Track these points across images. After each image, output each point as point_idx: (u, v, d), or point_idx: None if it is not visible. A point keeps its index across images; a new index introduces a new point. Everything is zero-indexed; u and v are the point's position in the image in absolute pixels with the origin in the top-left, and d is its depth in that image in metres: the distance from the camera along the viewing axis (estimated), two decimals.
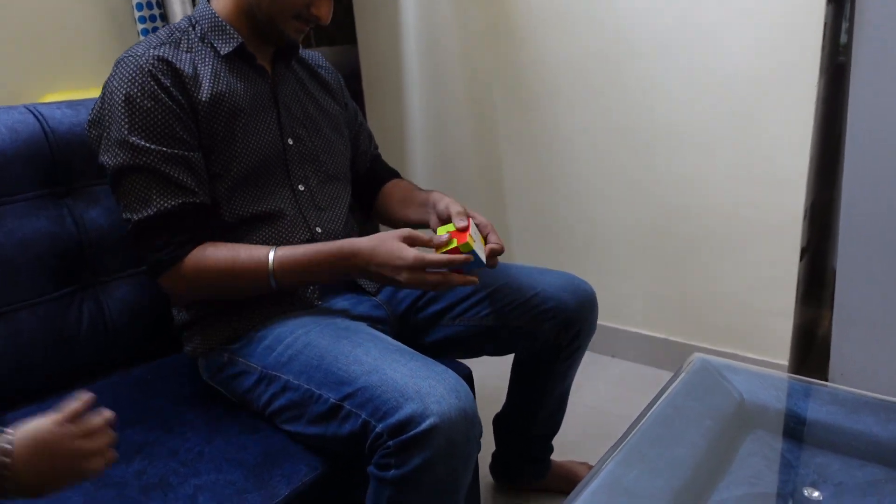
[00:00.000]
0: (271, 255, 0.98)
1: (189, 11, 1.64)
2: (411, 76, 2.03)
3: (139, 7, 1.60)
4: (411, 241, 0.96)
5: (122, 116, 0.97)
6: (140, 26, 1.61)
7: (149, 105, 0.98)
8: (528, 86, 1.89)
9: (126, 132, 0.97)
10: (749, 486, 0.74)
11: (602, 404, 1.75)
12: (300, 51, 1.22)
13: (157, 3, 1.62)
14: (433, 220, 1.11)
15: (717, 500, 0.72)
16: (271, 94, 1.11)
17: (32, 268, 1.09)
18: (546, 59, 1.83)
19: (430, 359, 0.93)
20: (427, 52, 1.97)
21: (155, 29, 1.62)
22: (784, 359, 1.70)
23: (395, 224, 1.24)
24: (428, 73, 2.00)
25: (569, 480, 1.45)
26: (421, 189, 1.25)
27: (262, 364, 1.00)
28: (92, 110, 1.04)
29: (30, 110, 1.14)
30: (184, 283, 1.00)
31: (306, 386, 0.94)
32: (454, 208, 1.07)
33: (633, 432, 0.79)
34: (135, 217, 0.98)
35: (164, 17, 1.63)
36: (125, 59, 1.01)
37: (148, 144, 0.97)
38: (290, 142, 1.12)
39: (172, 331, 1.15)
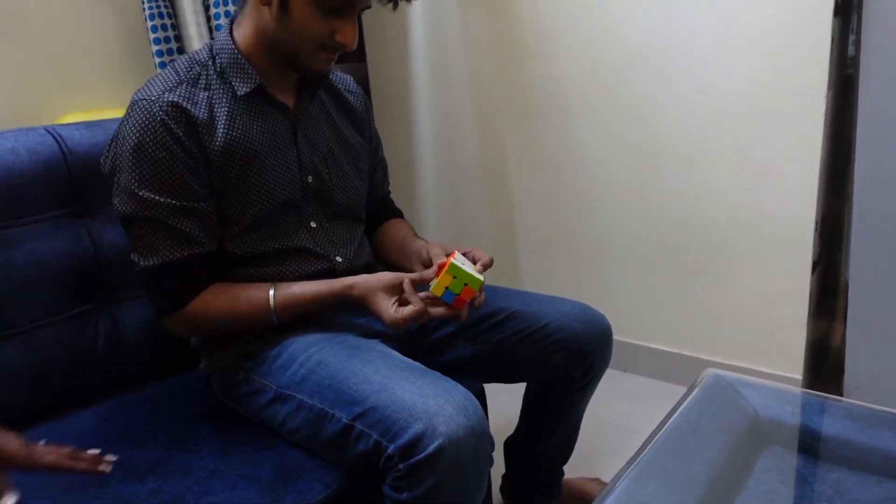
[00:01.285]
0: (271, 296, 1.02)
1: (204, 35, 1.66)
2: (420, 92, 2.04)
3: (154, 29, 1.63)
4: (400, 290, 1.00)
5: (132, 167, 0.97)
6: (155, 48, 1.64)
7: (159, 156, 0.96)
8: (536, 101, 1.90)
9: (135, 184, 0.97)
10: (765, 502, 0.73)
11: (614, 419, 1.74)
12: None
13: (172, 26, 1.65)
14: (417, 269, 1.12)
15: None
16: (291, 132, 1.09)
17: (50, 287, 1.10)
18: (554, 74, 1.85)
19: (439, 375, 0.93)
20: (435, 69, 1.99)
21: (170, 51, 1.64)
22: (797, 372, 1.68)
23: (388, 268, 1.23)
24: (436, 89, 2.01)
25: (581, 499, 1.44)
26: (417, 237, 1.24)
27: (277, 383, 1.00)
28: (107, 147, 1.03)
29: (49, 132, 1.16)
30: (187, 327, 1.04)
31: (320, 405, 0.94)
32: (433, 251, 1.09)
33: (649, 447, 0.79)
34: (142, 263, 1.00)
35: (179, 39, 1.66)
36: (139, 103, 0.99)
37: (156, 197, 0.97)
38: (310, 179, 1.10)
39: (187, 349, 1.16)
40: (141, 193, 0.97)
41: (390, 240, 1.27)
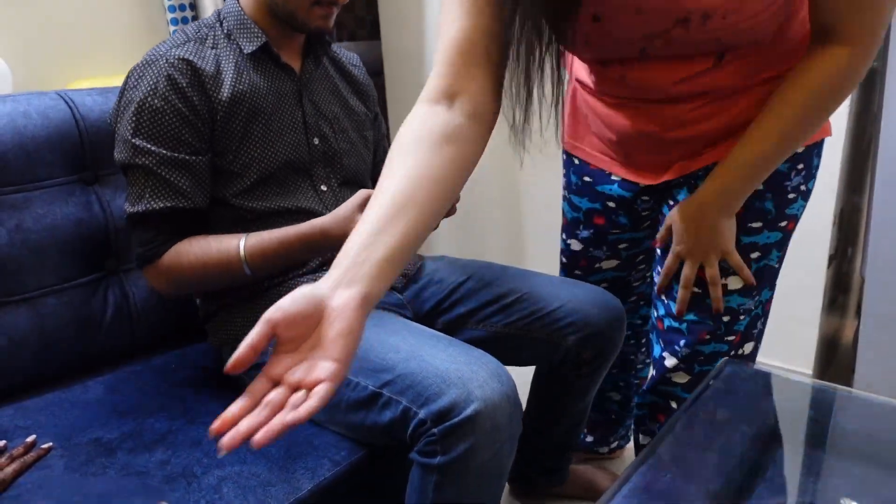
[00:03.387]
0: (242, 244, 0.99)
1: (218, 2, 1.64)
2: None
3: None
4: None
5: (131, 115, 0.99)
6: (170, 15, 1.61)
7: (157, 105, 0.98)
8: None
9: (131, 132, 0.99)
10: (785, 496, 0.72)
11: None
12: (334, 47, 1.21)
13: None
14: None
15: None
16: (297, 93, 1.10)
17: (60, 253, 1.09)
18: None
19: (467, 344, 0.93)
20: None
21: (185, 19, 1.62)
22: (808, 367, 1.67)
23: None
24: None
25: (587, 487, 1.44)
26: None
27: None
28: (115, 103, 1.05)
29: (61, 96, 1.14)
30: (162, 279, 1.02)
31: None
32: None
33: (666, 437, 0.78)
34: (128, 210, 1.01)
35: (194, 6, 1.64)
36: (146, 58, 1.01)
37: (149, 146, 0.98)
38: (316, 141, 1.11)
39: (197, 320, 1.15)
40: (134, 141, 0.98)
41: None
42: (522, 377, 1.29)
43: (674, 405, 1.08)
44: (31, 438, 0.92)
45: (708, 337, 1.00)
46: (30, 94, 1.12)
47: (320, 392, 0.55)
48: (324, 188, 1.12)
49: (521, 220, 2.08)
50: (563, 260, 1.26)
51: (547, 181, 1.97)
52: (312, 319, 0.60)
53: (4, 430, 0.95)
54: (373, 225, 0.65)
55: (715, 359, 1.01)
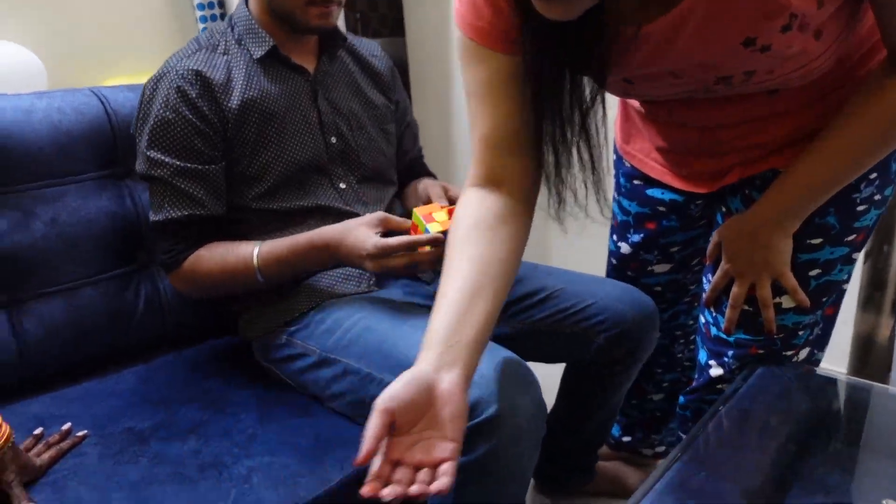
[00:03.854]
0: (256, 252, 1.01)
1: None
2: (459, 69, 2.01)
3: None
4: (384, 225, 0.97)
5: (145, 129, 1.02)
6: (198, 13, 1.63)
7: (169, 117, 1.00)
8: None
9: (146, 144, 1.02)
10: (823, 495, 0.71)
11: None
12: (352, 39, 1.20)
13: None
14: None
15: None
16: (311, 94, 1.10)
17: (94, 246, 1.11)
18: None
19: (492, 342, 0.92)
20: None
21: (213, 17, 1.63)
22: (843, 366, 1.64)
23: None
24: None
25: (615, 484, 1.42)
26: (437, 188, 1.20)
27: (322, 347, 1.00)
28: (135, 114, 1.07)
29: (94, 93, 1.16)
30: (185, 285, 1.05)
31: (367, 370, 0.93)
32: (432, 192, 1.09)
33: (700, 434, 0.77)
34: (151, 218, 1.04)
35: (222, 3, 1.65)
36: (158, 71, 1.03)
37: (163, 157, 1.01)
38: (333, 140, 1.11)
39: (227, 314, 1.16)
40: (149, 153, 1.01)
41: (411, 193, 1.25)
42: (551, 376, 1.29)
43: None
44: (66, 426, 0.94)
45: (762, 352, 0.93)
46: (64, 90, 1.14)
47: (448, 470, 0.61)
48: (343, 186, 1.12)
49: (546, 218, 2.06)
50: (613, 262, 1.22)
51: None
52: (423, 403, 0.65)
53: (41, 419, 0.97)
54: (456, 308, 0.70)
55: None
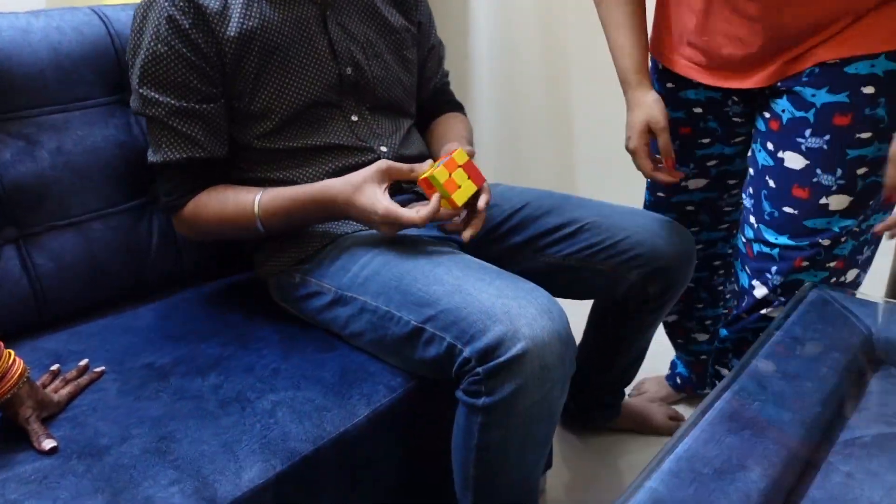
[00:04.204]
0: (257, 200, 0.94)
1: None
2: None
3: None
4: (389, 176, 0.90)
5: (136, 63, 0.93)
6: None
7: (161, 51, 0.91)
8: None
9: (137, 81, 0.93)
10: (886, 424, 0.66)
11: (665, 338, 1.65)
12: None
13: None
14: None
15: (850, 437, 0.64)
16: (320, 18, 0.99)
17: (103, 176, 1.06)
18: None
19: (517, 277, 0.87)
20: None
21: None
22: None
23: None
24: None
25: (641, 420, 1.40)
26: (464, 135, 1.13)
27: (337, 285, 0.95)
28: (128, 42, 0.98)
29: (94, 12, 1.09)
30: (186, 229, 1.00)
31: (385, 308, 0.89)
32: (449, 148, 1.00)
33: (751, 362, 0.72)
34: (149, 158, 0.97)
35: None
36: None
37: (156, 95, 0.93)
38: (349, 71, 1.01)
39: (244, 250, 1.12)
40: (142, 91, 0.93)
41: (436, 139, 1.15)
42: (579, 310, 1.24)
43: None
44: (83, 362, 0.91)
45: (806, 264, 0.91)
46: (62, 9, 1.07)
47: None
48: (355, 118, 1.04)
49: (572, 146, 1.98)
50: (649, 181, 1.20)
51: (600, 102, 1.86)
52: None
53: (58, 355, 0.95)
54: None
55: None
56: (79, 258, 1.03)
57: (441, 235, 1.05)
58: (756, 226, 0.97)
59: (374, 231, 0.98)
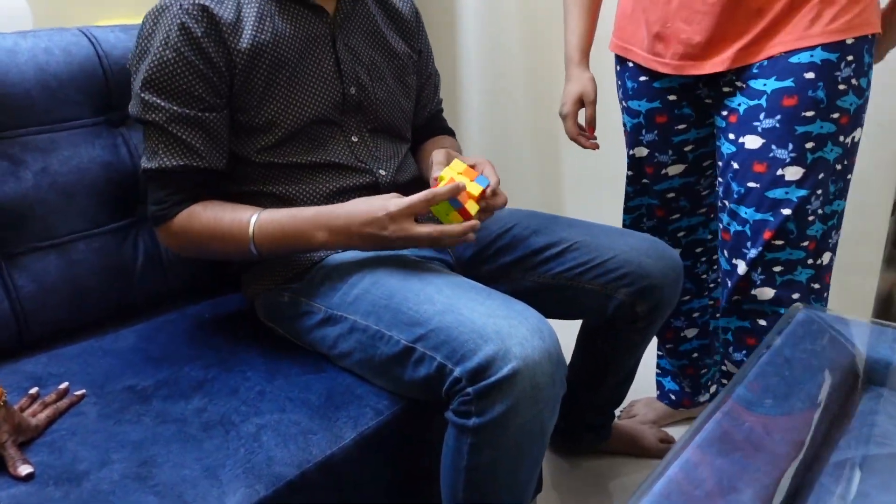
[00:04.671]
0: (253, 219, 0.91)
1: None
2: (467, 14, 1.92)
3: None
4: (410, 211, 0.88)
5: (141, 67, 0.92)
6: None
7: (170, 57, 0.91)
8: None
9: (140, 85, 0.92)
10: (876, 445, 0.66)
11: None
12: None
13: None
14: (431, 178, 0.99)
15: (841, 458, 0.64)
16: (329, 37, 1.00)
17: (88, 197, 1.05)
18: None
19: (508, 296, 0.86)
20: None
21: None
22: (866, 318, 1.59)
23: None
24: (485, 9, 1.89)
25: (632, 443, 1.39)
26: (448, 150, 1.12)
27: (327, 304, 0.94)
28: (132, 49, 0.98)
29: (83, 33, 1.09)
30: (174, 241, 0.96)
31: (375, 327, 0.88)
32: (436, 160, 0.99)
33: (741, 382, 0.71)
34: (143, 165, 0.95)
35: None
36: (160, 2, 0.93)
37: (159, 101, 0.91)
38: (353, 91, 1.02)
39: (230, 270, 1.11)
40: (143, 95, 0.92)
41: (426, 156, 1.16)
42: (567, 331, 1.24)
43: (763, 323, 1.07)
44: (63, 385, 0.89)
45: (780, 242, 1.01)
46: (50, 30, 1.07)
47: None
48: (355, 139, 1.04)
49: (559, 167, 1.99)
50: (629, 173, 1.30)
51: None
52: None
53: (37, 378, 0.93)
54: None
55: (794, 267, 1.02)
56: (61, 280, 1.01)
57: (431, 255, 1.05)
58: (727, 206, 1.08)
59: (365, 252, 0.97)
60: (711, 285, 1.37)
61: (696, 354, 1.40)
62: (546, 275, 1.10)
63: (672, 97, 1.16)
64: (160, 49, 0.91)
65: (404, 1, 1.14)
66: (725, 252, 1.10)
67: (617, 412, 1.41)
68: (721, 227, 1.11)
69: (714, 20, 1.03)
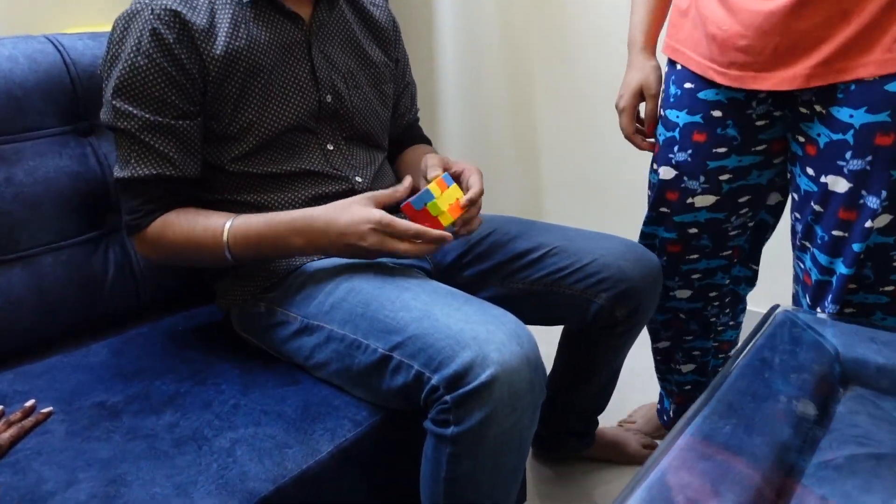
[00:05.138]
0: (227, 225, 0.90)
1: None
2: (444, 18, 1.92)
3: None
4: (374, 202, 0.88)
5: (112, 74, 0.90)
6: None
7: (141, 63, 0.89)
8: (569, 35, 1.77)
9: (111, 92, 0.90)
10: (857, 445, 0.65)
11: (637, 366, 1.64)
12: None
13: None
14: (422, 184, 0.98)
15: (823, 459, 0.63)
16: (305, 44, 0.99)
17: (55, 209, 1.02)
18: (588, 5, 1.72)
19: (486, 302, 0.85)
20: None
21: None
22: None
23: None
24: (463, 13, 1.89)
25: (616, 449, 1.38)
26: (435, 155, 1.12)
27: (303, 313, 0.92)
28: (103, 55, 0.96)
29: (49, 40, 1.06)
30: (149, 250, 0.95)
31: (352, 336, 0.86)
32: (429, 163, 0.97)
33: (721, 385, 0.71)
34: (115, 174, 0.94)
35: None
36: (131, 7, 0.91)
37: (130, 108, 0.90)
38: (329, 98, 1.01)
39: (203, 281, 1.08)
40: (115, 103, 0.90)
41: (405, 165, 1.15)
42: (548, 336, 1.23)
43: None
44: (29, 403, 0.86)
45: (853, 286, 0.88)
46: (15, 37, 1.04)
47: None
48: (330, 147, 1.02)
49: (539, 173, 1.99)
50: (650, 195, 1.13)
51: (568, 127, 1.88)
52: None
53: (3, 396, 0.90)
54: None
55: (872, 312, 0.90)
56: (28, 293, 0.98)
57: (409, 262, 1.04)
58: (810, 250, 0.93)
59: (341, 259, 0.95)
60: (720, 328, 1.27)
61: (688, 387, 1.32)
62: (526, 280, 1.09)
63: (717, 113, 0.97)
64: (132, 55, 0.89)
65: (381, 9, 1.13)
66: (808, 297, 0.96)
67: (610, 420, 1.40)
68: (802, 267, 0.97)
69: (783, 22, 0.83)
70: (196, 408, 0.87)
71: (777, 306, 0.87)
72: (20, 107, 1.00)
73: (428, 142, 1.25)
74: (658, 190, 1.09)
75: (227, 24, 0.93)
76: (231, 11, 0.93)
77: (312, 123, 1.00)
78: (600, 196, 1.89)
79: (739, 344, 0.81)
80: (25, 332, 0.99)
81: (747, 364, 0.76)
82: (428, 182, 0.92)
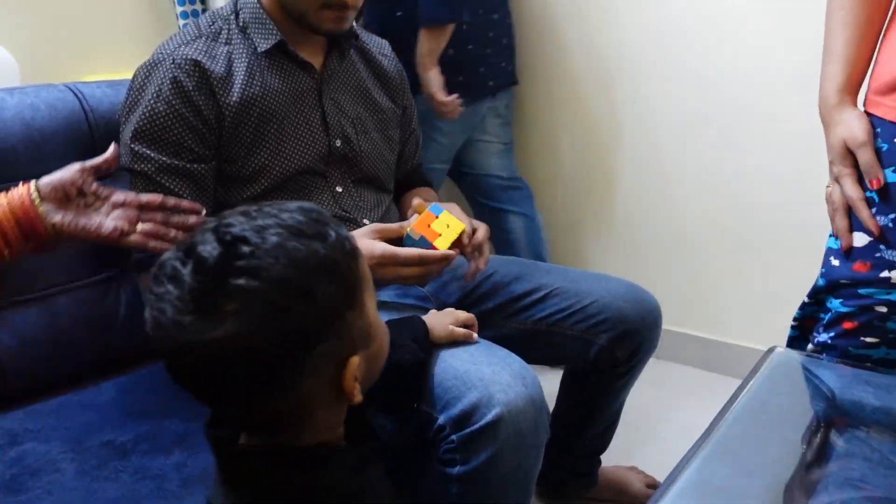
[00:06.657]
0: None
1: None
2: None
3: None
4: (380, 234, 0.92)
5: (131, 118, 0.95)
6: (179, 8, 1.59)
7: (161, 110, 0.94)
8: (579, 73, 1.82)
9: (130, 135, 0.95)
10: (854, 489, 0.66)
11: (641, 405, 1.64)
12: (362, 34, 1.14)
13: None
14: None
15: (820, 502, 0.64)
16: (316, 92, 1.04)
17: (71, 251, 1.05)
18: (597, 41, 1.76)
19: (491, 343, 0.88)
20: None
21: (195, 13, 1.59)
22: None
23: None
24: None
25: (619, 489, 1.37)
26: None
27: None
28: (123, 100, 1.01)
29: (69, 88, 1.11)
30: None
31: None
32: (415, 201, 1.03)
33: (717, 428, 0.72)
34: None
35: (204, 1, 1.61)
36: (153, 57, 0.97)
37: (148, 152, 0.94)
38: (338, 143, 1.05)
39: None
40: (133, 146, 0.95)
41: (405, 205, 1.19)
42: (551, 378, 1.24)
43: None
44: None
45: None
46: (37, 86, 1.09)
47: None
48: (339, 189, 1.06)
49: (547, 208, 2.02)
50: (832, 261, 0.87)
51: (564, 173, 1.92)
52: None
53: (14, 434, 0.91)
54: None
55: None
56: (42, 333, 1.01)
57: (414, 303, 1.06)
58: None
59: None
60: None
61: None
62: (527, 321, 1.11)
63: None
64: (152, 101, 0.94)
65: (389, 59, 1.18)
66: None
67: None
68: None
69: None
70: (204, 448, 0.87)
71: (774, 348, 0.89)
72: (40, 152, 1.04)
73: (430, 184, 1.28)
74: (843, 259, 0.86)
75: (243, 73, 0.97)
76: (247, 60, 0.99)
77: (322, 167, 1.04)
78: (602, 238, 1.92)
79: (737, 385, 0.83)
80: (38, 371, 1.01)
81: (745, 406, 0.77)
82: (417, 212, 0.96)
